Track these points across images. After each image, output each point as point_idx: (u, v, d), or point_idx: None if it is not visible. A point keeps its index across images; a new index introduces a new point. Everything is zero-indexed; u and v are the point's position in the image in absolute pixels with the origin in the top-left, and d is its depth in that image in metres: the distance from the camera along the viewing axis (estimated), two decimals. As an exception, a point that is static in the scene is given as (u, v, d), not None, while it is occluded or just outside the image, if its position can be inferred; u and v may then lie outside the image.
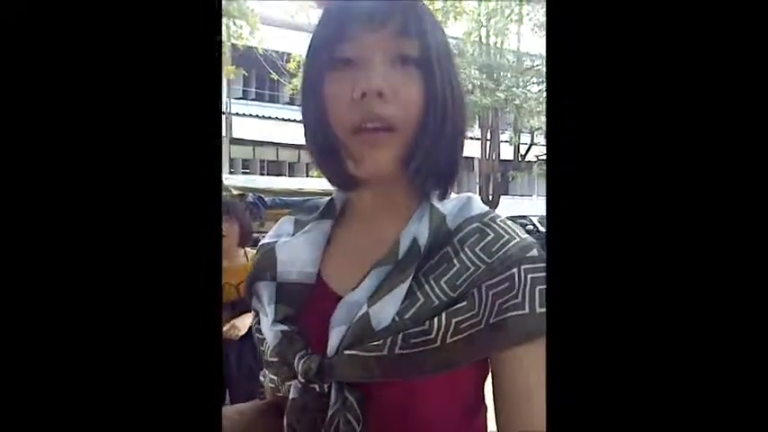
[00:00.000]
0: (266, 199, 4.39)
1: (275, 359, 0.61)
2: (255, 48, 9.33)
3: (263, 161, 17.31)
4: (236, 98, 16.18)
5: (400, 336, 0.54)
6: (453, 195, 0.64)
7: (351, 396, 0.56)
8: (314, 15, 11.89)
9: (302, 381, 0.58)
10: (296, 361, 0.58)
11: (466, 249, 0.58)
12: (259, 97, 17.07)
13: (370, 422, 0.56)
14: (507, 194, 16.01)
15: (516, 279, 0.57)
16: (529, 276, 0.57)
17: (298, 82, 9.93)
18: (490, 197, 13.23)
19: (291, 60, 11.27)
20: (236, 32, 7.84)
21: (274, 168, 17.14)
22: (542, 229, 12.56)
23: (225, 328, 2.29)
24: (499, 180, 14.15)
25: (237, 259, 2.47)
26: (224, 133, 15.87)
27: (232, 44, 8.07)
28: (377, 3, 0.56)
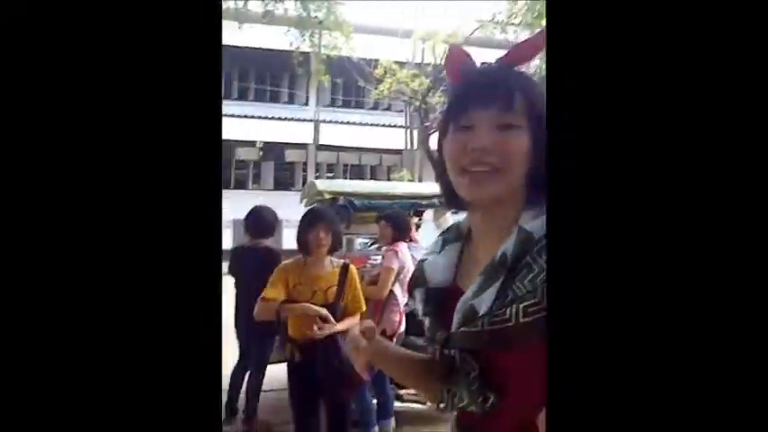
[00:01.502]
0: (356, 202, 4.48)
1: (429, 335, 0.91)
2: (346, 57, 9.59)
3: (347, 165, 17.69)
4: (325, 106, 16.70)
5: (487, 318, 0.78)
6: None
7: (467, 355, 0.83)
8: (406, 20, 12.05)
9: (437, 348, 0.88)
10: (436, 335, 0.88)
11: (544, 257, 0.76)
12: (345, 104, 17.49)
13: (485, 371, 0.81)
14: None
15: None
16: None
17: (384, 87, 9.99)
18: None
19: (379, 66, 11.51)
20: (331, 43, 8.12)
21: (357, 172, 17.47)
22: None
23: (359, 328, 2.32)
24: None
25: (326, 267, 2.58)
26: (312, 140, 16.38)
27: (327, 55, 8.35)
28: (490, 87, 0.82)
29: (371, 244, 5.50)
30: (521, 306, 0.76)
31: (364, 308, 2.66)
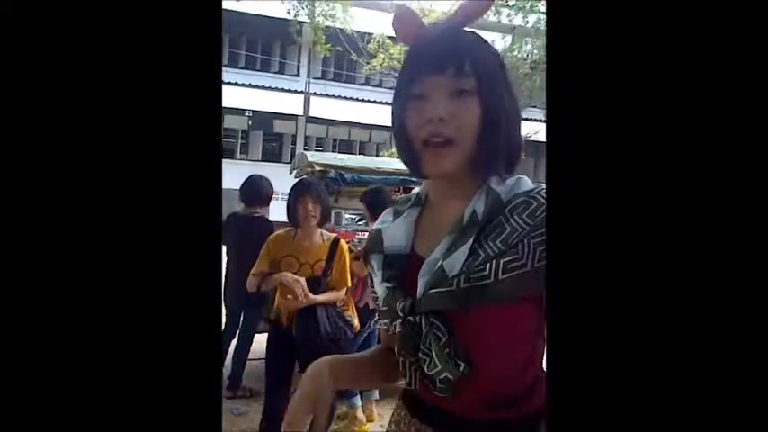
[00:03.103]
0: (346, 176, 4.47)
1: (385, 308, 0.84)
2: (339, 29, 9.45)
3: (336, 139, 17.57)
4: (316, 78, 16.48)
5: (463, 276, 0.75)
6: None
7: (435, 319, 0.78)
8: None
9: (401, 316, 0.81)
10: (397, 305, 0.81)
11: (515, 216, 0.77)
12: (336, 78, 17.29)
13: (455, 334, 0.77)
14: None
15: None
16: None
17: (376, 62, 9.89)
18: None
19: (372, 40, 11.36)
20: (328, 12, 7.99)
21: (346, 147, 17.36)
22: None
23: (290, 300, 2.43)
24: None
25: (315, 239, 2.59)
26: (302, 111, 16.22)
27: (323, 26, 8.23)
28: (442, 52, 0.78)
29: (359, 219, 5.52)
30: (501, 262, 0.75)
31: (349, 283, 2.68)
